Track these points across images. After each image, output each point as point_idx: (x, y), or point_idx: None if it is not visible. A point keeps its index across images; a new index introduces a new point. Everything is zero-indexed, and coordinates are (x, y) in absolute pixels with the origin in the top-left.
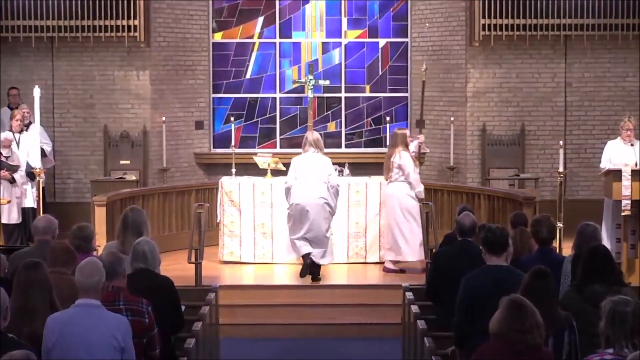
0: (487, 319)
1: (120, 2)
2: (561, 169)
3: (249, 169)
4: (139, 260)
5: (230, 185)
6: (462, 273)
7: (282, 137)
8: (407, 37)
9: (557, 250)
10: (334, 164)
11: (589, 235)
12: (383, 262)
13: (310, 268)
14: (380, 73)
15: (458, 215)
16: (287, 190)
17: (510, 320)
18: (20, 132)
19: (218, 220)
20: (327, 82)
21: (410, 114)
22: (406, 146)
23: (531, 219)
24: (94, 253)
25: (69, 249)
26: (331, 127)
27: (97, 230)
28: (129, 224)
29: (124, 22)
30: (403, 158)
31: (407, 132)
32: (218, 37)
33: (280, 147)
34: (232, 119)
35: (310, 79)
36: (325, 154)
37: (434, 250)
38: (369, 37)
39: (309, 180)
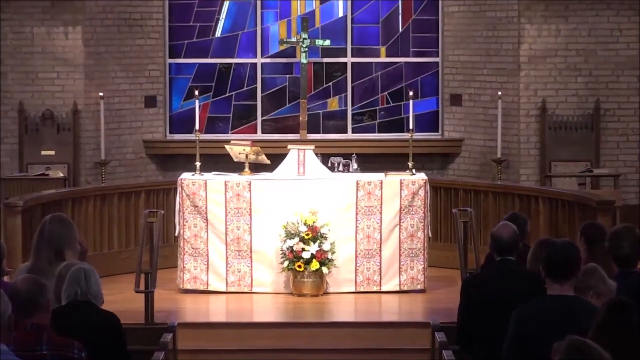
0: None
1: None
2: None
3: (220, 162)
4: (72, 286)
5: (193, 184)
6: (504, 306)
7: (264, 117)
8: None
9: None
10: (336, 155)
11: None
12: (405, 291)
13: None
14: (400, 30)
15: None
16: None
17: None
18: None
19: (177, 234)
20: (328, 43)
21: (442, 87)
22: None
23: (609, 231)
24: (4, 278)
25: None
26: (333, 104)
27: (10, 246)
28: (44, 238)
29: None
30: None
31: None
32: None
33: (263, 132)
34: (196, 93)
35: (304, 39)
36: (325, 141)
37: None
38: None
39: None
